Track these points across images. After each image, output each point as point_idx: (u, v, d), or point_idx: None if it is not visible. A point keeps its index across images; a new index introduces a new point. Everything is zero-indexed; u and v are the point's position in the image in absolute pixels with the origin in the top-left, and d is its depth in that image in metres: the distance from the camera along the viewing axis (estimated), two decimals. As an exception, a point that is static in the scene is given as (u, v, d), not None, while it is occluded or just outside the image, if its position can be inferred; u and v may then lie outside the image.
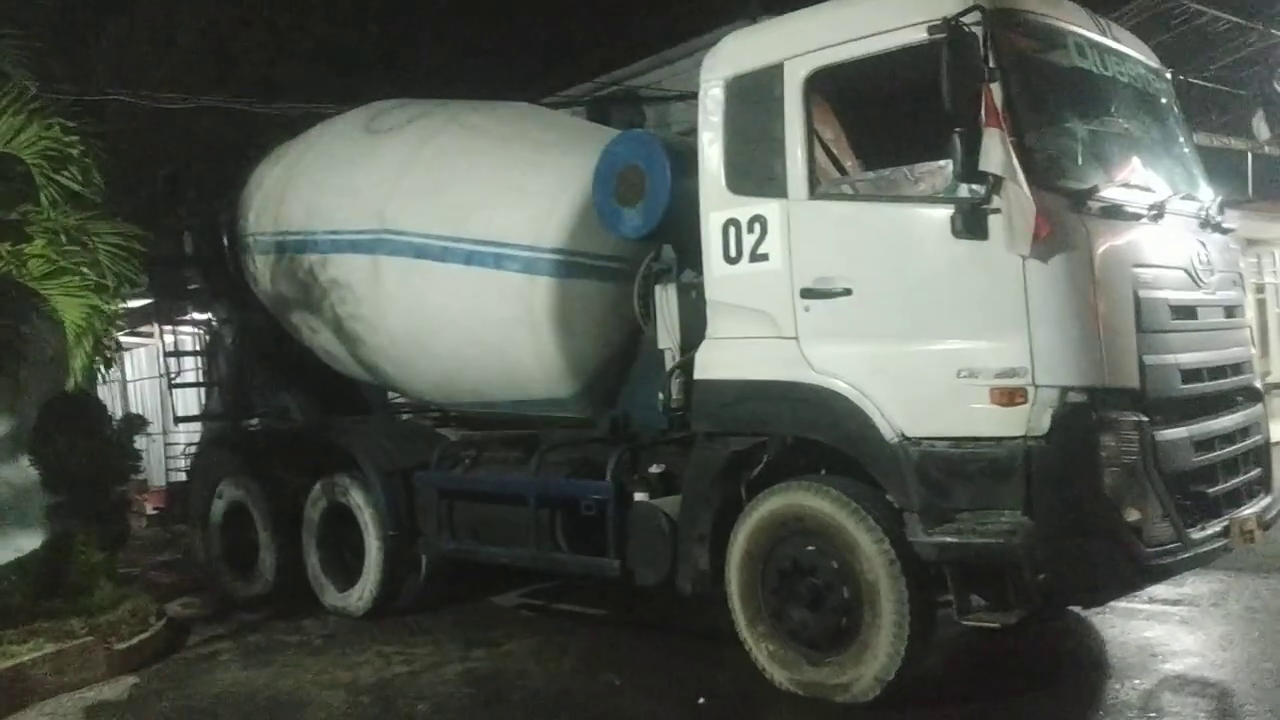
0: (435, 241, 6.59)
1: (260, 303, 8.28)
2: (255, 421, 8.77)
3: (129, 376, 16.06)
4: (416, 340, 6.91)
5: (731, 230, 5.21)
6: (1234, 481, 5.04)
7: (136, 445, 9.60)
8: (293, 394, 8.39)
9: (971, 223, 4.40)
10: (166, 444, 13.75)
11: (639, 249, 5.99)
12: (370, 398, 8.16)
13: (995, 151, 4.23)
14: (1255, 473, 5.27)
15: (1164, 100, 5.60)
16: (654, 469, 5.82)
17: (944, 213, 4.50)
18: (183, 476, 10.08)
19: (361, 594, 7.21)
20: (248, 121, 10.17)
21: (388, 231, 6.83)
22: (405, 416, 8.41)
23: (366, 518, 7.12)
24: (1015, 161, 4.23)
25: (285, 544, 7.68)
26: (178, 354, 9.54)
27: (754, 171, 5.16)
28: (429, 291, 6.68)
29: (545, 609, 7.44)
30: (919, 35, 4.48)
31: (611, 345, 6.24)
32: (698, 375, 5.41)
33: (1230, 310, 5.34)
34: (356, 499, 7.19)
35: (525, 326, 6.23)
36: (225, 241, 8.52)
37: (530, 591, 7.65)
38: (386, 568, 7.09)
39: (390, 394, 8.17)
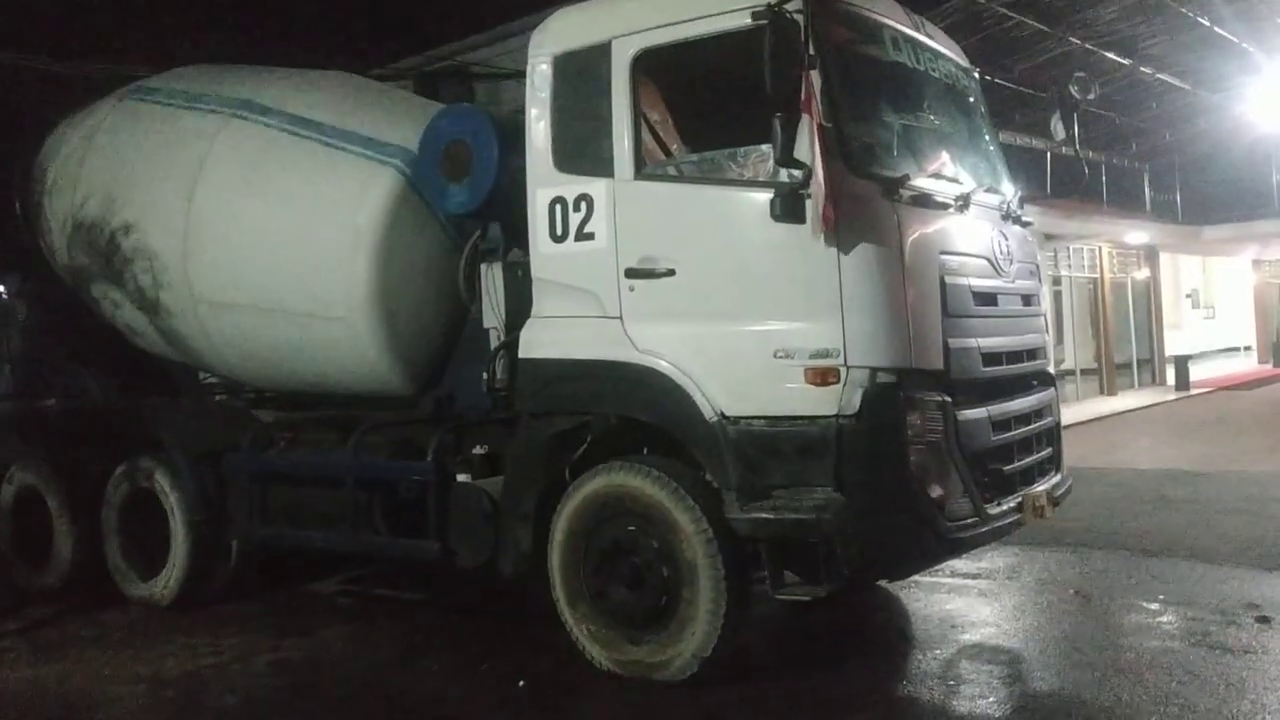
0: (303, 117, 6.42)
1: (57, 275, 7.76)
2: (51, 401, 8.22)
3: (-93, 354, 14.76)
4: (222, 217, 6.54)
5: (558, 208, 5.18)
6: (1028, 460, 5.34)
7: (-86, 427, 8.85)
8: (93, 372, 7.91)
9: (790, 207, 4.49)
10: (-50, 427, 12.70)
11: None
12: (179, 377, 7.75)
13: (801, 137, 4.34)
14: (1047, 452, 5.60)
15: (972, 98, 5.88)
16: (477, 450, 5.73)
17: (764, 196, 4.58)
18: (-33, 462, 9.34)
19: (167, 583, 6.85)
20: (46, 81, 9.46)
21: (253, 103, 6.62)
22: (218, 398, 8.05)
23: (172, 502, 6.77)
24: (816, 148, 4.35)
25: (83, 531, 7.23)
26: (-38, 329, 8.82)
27: (581, 150, 5.15)
28: (263, 164, 6.44)
29: (363, 595, 7.27)
30: (743, 20, 4.54)
31: (425, 300, 6.04)
32: (522, 354, 5.36)
33: (1028, 299, 5.65)
34: (162, 483, 6.83)
35: (351, 214, 5.97)
36: (18, 209, 7.95)
37: (348, 578, 7.46)
38: (194, 555, 6.76)
39: (202, 375, 7.79)
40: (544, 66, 5.28)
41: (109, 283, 7.16)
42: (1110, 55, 15.50)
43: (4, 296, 8.74)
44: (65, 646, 6.23)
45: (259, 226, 6.35)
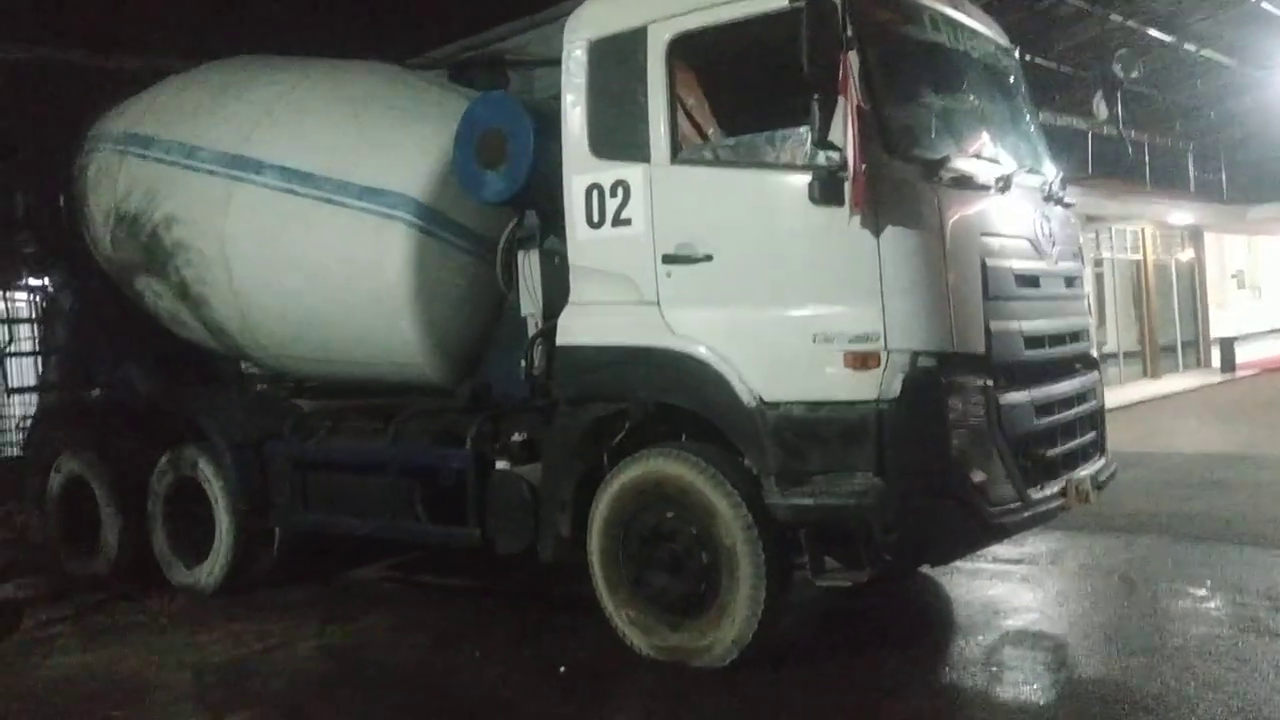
0: (296, 170, 6.37)
1: (100, 267, 7.87)
2: (96, 392, 8.35)
3: (-43, 347, 15.04)
4: (266, 292, 6.69)
5: (594, 194, 5.17)
6: (1071, 444, 5.27)
7: (-36, 418, 9.05)
8: (137, 363, 7.99)
9: (828, 190, 4.46)
10: (-1, 417, 12.95)
11: (500, 221, 5.88)
12: (221, 368, 7.84)
13: (839, 119, 4.30)
14: (1091, 436, 5.54)
15: (1012, 78, 5.79)
16: (515, 437, 5.75)
17: (803, 180, 4.55)
18: (17, 452, 9.52)
19: (212, 570, 6.96)
20: (84, 75, 9.59)
21: (245, 159, 6.59)
22: (259, 388, 8.14)
23: (216, 490, 6.87)
24: (853, 130, 4.30)
25: (129, 520, 7.36)
26: (10, 321, 8.99)
27: (617, 135, 5.13)
28: (281, 234, 6.47)
29: (405, 582, 7.33)
30: (780, 3, 4.50)
31: (471, 319, 6.15)
32: (560, 341, 5.37)
33: (1070, 280, 5.57)
34: (206, 471, 6.93)
35: (378, 278, 6.05)
36: (61, 202, 8.06)
37: (390, 565, 7.52)
38: (238, 542, 6.86)
39: (244, 365, 7.88)
40: (579, 52, 5.26)
41: (151, 275, 7.26)
42: (1153, 32, 15.23)
43: (50, 289, 8.89)
44: (114, 632, 6.35)
45: (301, 297, 6.49)
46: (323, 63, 7.24)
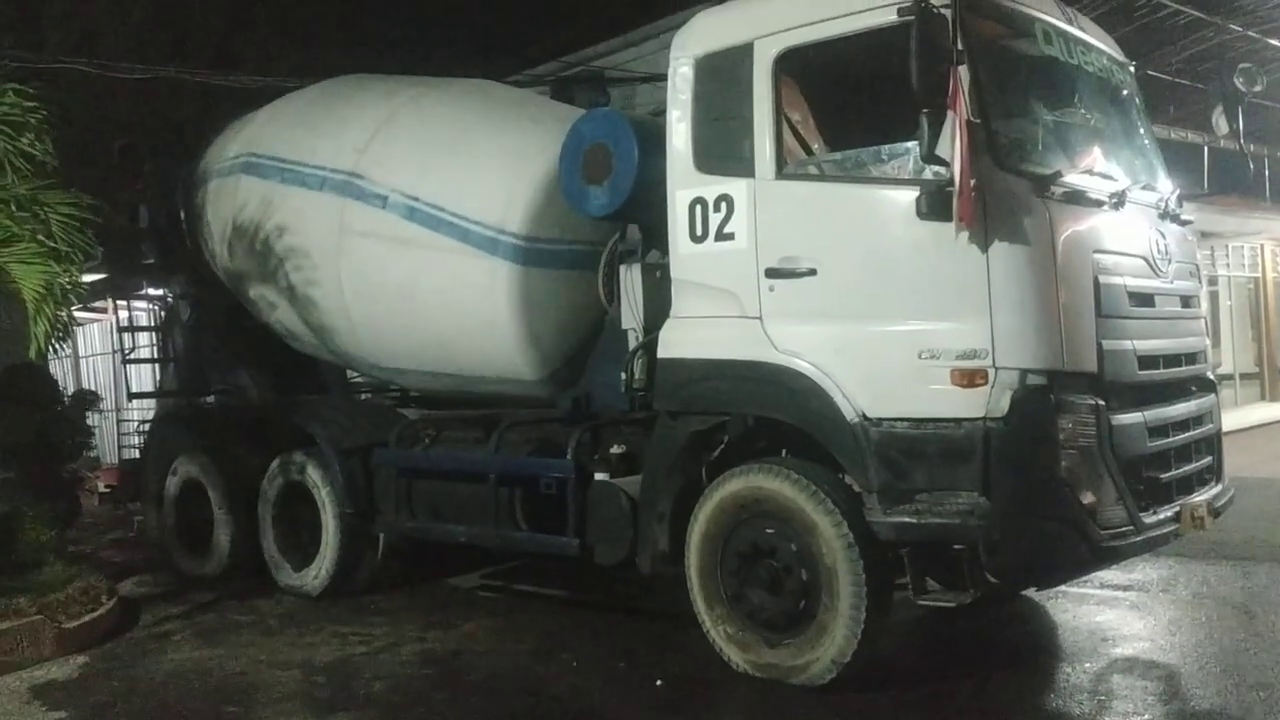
0: (403, 199, 6.51)
1: (217, 278, 8.16)
2: (211, 399, 8.66)
3: (81, 352, 15.77)
4: (376, 308, 6.87)
5: (698, 209, 5.20)
6: (1186, 468, 5.11)
7: (88, 421, 9.45)
8: (250, 371, 8.30)
9: (936, 204, 4.40)
10: (119, 421, 13.50)
11: (603, 230, 5.96)
12: (329, 376, 8.09)
13: (948, 134, 4.26)
14: (1207, 460, 5.35)
15: (1126, 91, 5.66)
16: (615, 449, 5.81)
17: (909, 194, 4.51)
18: (136, 454, 9.92)
19: (318, 573, 7.14)
20: (204, 93, 10.00)
21: (355, 175, 6.79)
22: (364, 396, 8.36)
23: (324, 496, 7.05)
24: (961, 144, 4.25)
25: (240, 522, 7.61)
26: (132, 329, 9.38)
27: (721, 150, 5.15)
28: (390, 258, 6.63)
29: (504, 590, 7.42)
30: (889, 17, 4.49)
31: (576, 331, 6.22)
32: (661, 354, 5.40)
33: (1186, 300, 5.41)
34: (314, 477, 7.12)
35: (488, 306, 6.20)
36: (182, 215, 8.39)
37: (489, 573, 7.63)
38: (343, 547, 7.03)
39: (350, 373, 8.09)
40: (685, 68, 5.30)
41: (265, 283, 7.50)
42: (1274, 43, 14.65)
43: (169, 299, 9.26)
44: (224, 631, 6.55)
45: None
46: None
